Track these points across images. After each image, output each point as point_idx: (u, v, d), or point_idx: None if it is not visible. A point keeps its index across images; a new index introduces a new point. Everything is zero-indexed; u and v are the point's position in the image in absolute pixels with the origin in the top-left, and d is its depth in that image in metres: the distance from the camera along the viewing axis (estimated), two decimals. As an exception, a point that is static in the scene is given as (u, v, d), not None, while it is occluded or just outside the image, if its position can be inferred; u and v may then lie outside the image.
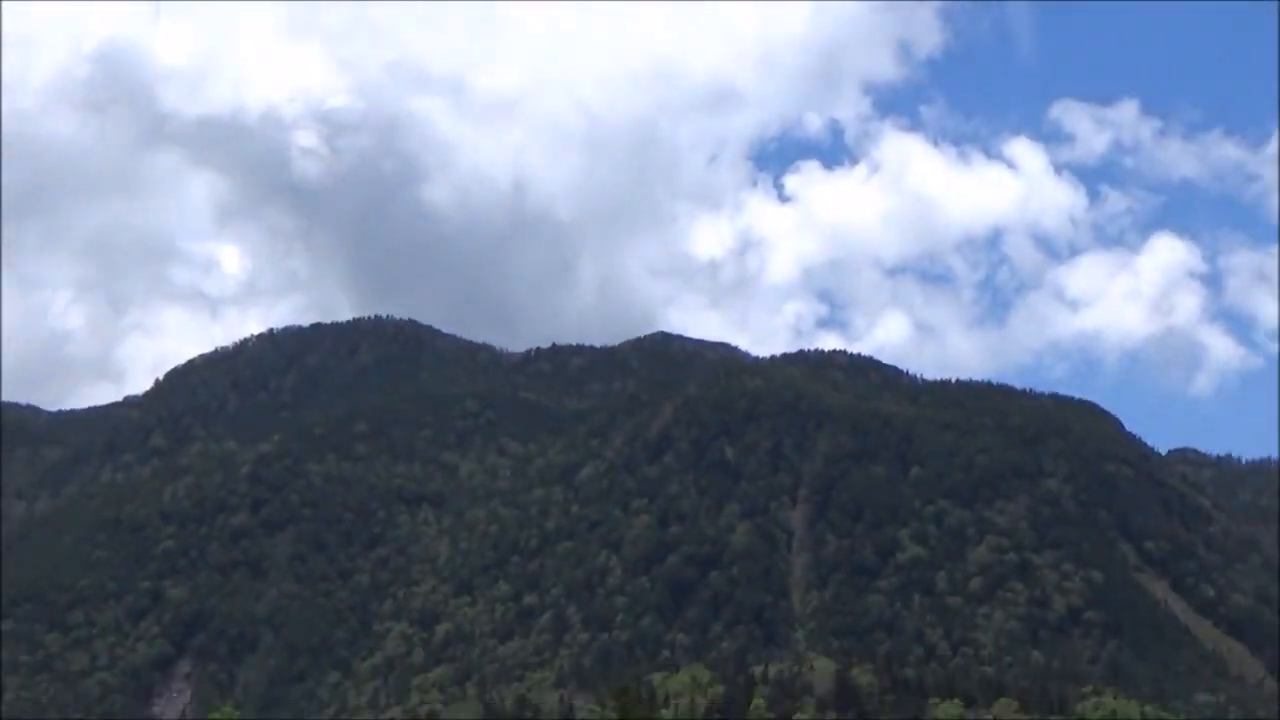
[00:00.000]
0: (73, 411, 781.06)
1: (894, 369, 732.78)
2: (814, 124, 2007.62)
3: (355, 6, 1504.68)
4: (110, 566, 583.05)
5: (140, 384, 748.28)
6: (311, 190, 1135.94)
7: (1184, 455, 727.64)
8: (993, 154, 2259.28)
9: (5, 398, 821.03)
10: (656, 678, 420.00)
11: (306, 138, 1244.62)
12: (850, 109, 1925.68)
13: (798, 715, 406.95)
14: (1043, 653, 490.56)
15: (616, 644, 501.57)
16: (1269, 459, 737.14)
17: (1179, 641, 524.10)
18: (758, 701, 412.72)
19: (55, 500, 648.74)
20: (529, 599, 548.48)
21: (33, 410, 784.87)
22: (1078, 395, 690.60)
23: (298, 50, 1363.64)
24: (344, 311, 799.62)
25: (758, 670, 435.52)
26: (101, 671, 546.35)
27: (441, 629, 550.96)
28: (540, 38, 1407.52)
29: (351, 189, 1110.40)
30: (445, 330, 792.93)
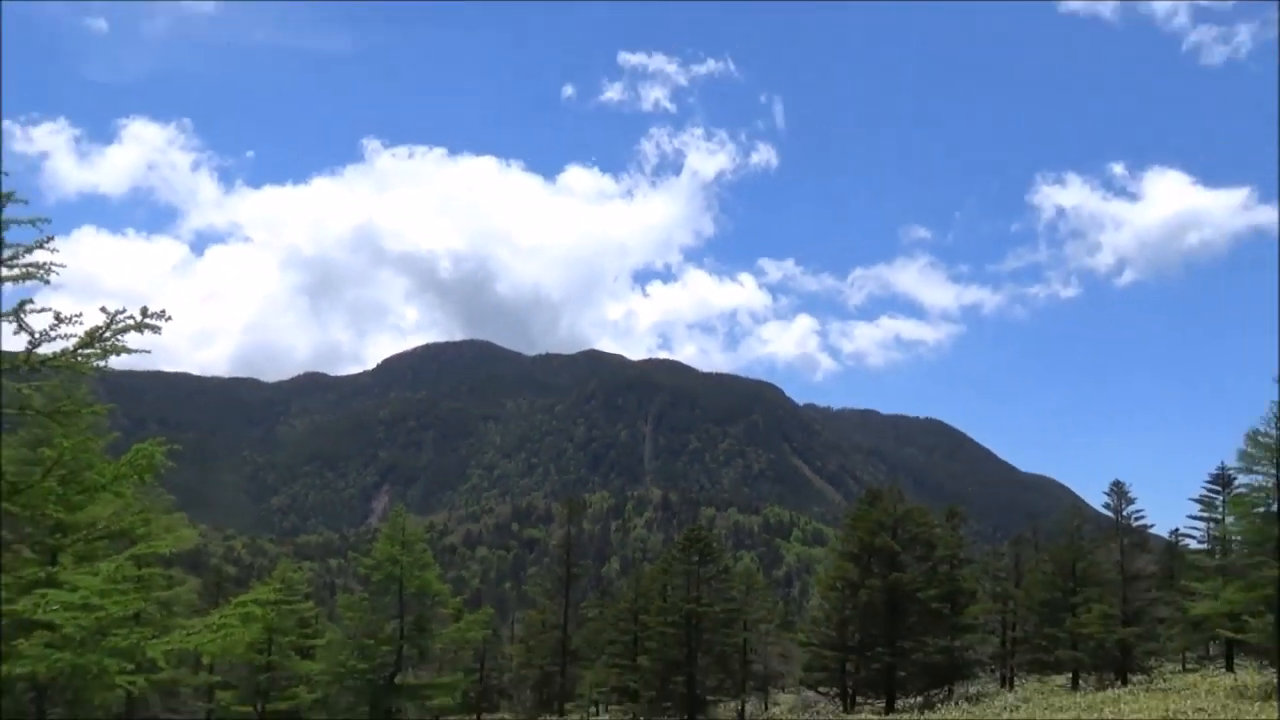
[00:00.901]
0: (340, 376, 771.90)
1: (690, 368, 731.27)
2: (658, 264, 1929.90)
3: (470, 205, 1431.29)
4: (355, 442, 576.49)
5: (371, 365, 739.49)
6: (446, 286, 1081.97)
7: (812, 407, 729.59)
8: (735, 279, 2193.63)
9: (313, 369, 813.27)
10: (587, 497, 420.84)
11: (444, 263, 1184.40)
12: (675, 258, 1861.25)
13: (647, 514, 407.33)
14: (749, 489, 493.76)
15: (570, 482, 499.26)
16: (850, 409, 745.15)
17: (806, 486, 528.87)
18: (629, 508, 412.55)
19: (331, 416, 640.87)
20: (533, 460, 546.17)
21: (322, 375, 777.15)
22: (769, 380, 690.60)
23: (441, 222, 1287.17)
24: (459, 335, 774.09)
25: (630, 494, 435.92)
26: (350, 489, 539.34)
27: (495, 472, 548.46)
28: (548, 223, 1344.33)
29: (464, 285, 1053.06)
30: (502, 346, 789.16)
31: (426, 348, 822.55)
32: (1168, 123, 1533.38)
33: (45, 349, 9.16)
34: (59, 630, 10.85)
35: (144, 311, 9.11)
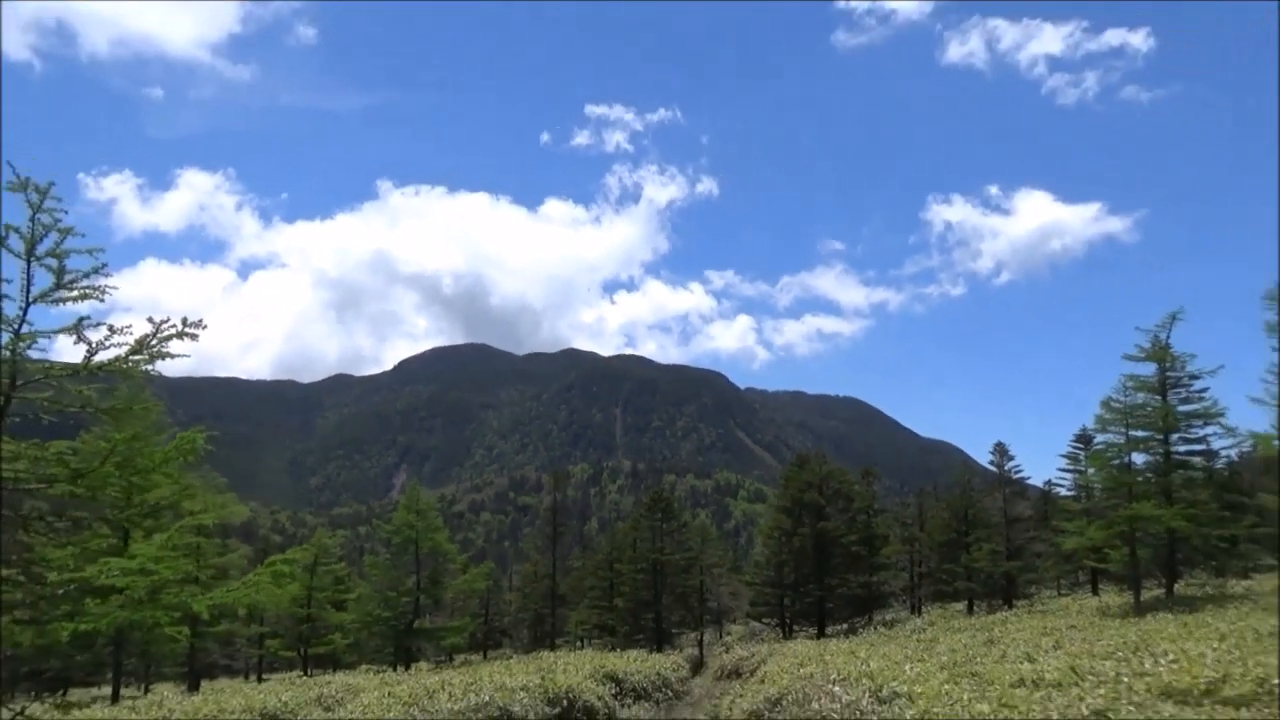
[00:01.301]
0: (363, 376, 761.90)
1: (651, 361, 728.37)
2: (623, 276, 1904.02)
3: (467, 232, 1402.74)
4: (377, 430, 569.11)
5: (389, 366, 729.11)
6: (449, 299, 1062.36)
7: (752, 390, 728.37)
8: (685, 287, 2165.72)
9: (341, 370, 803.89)
10: (570, 469, 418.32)
11: (448, 281, 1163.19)
12: (636, 271, 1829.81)
13: (620, 481, 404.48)
14: (702, 458, 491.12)
15: (555, 457, 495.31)
16: (783, 391, 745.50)
17: (749, 454, 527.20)
18: (604, 476, 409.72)
19: (357, 409, 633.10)
20: (525, 440, 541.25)
21: (349, 375, 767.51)
22: (715, 369, 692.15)
23: (443, 247, 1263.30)
24: (461, 339, 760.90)
25: (605, 465, 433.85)
26: (374, 468, 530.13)
27: (494, 451, 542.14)
28: (531, 245, 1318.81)
29: (464, 298, 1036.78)
30: (496, 347, 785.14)
31: (434, 350, 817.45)
32: (1032, 152, 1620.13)
33: (101, 356, 9.12)
34: (124, 592, 10.80)
35: (184, 321, 9.25)
